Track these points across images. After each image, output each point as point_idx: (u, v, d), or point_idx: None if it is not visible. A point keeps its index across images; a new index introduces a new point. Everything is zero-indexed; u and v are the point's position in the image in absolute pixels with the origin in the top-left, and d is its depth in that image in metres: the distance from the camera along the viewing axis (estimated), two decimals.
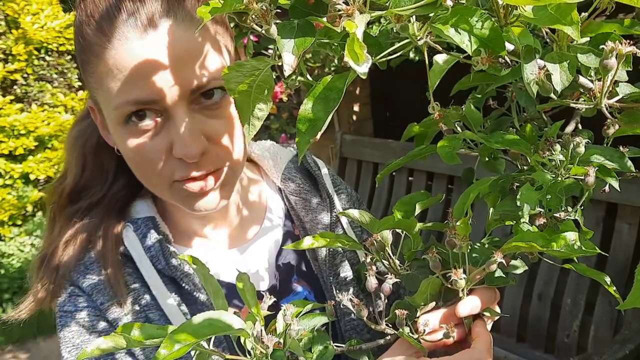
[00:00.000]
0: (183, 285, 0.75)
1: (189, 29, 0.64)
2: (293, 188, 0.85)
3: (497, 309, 0.66)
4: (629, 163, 0.62)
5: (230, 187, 0.74)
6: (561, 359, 2.41)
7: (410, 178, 3.33)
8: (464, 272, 0.59)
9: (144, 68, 0.63)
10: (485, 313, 0.63)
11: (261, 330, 0.57)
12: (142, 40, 0.63)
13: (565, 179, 0.60)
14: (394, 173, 3.39)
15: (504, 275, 0.63)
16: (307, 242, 0.64)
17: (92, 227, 0.77)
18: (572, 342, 2.38)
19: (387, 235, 0.62)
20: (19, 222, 4.60)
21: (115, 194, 0.79)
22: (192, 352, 0.55)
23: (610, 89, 0.50)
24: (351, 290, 0.82)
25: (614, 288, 0.60)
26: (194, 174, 0.69)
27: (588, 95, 0.52)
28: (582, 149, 0.61)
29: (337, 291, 0.80)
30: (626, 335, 2.15)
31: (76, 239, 0.77)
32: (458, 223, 0.59)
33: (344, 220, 0.86)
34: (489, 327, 0.65)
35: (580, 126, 0.70)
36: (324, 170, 0.88)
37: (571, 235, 0.55)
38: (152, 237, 0.76)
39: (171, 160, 0.68)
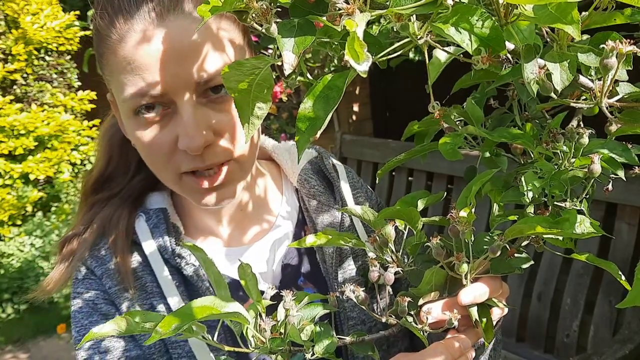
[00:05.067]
0: (188, 276, 0.76)
1: (195, 23, 0.65)
2: (308, 189, 0.85)
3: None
4: (634, 155, 0.61)
5: (236, 183, 0.75)
6: (561, 359, 2.41)
7: (410, 178, 3.33)
8: (467, 258, 0.57)
9: (151, 61, 0.64)
10: (489, 304, 0.60)
11: (259, 314, 0.57)
12: (150, 33, 0.64)
13: (569, 170, 0.60)
14: (393, 173, 3.40)
15: (508, 263, 0.60)
16: (310, 240, 0.65)
17: (107, 215, 0.80)
18: (572, 341, 2.38)
19: (390, 231, 0.61)
20: (19, 222, 4.60)
21: (133, 186, 0.82)
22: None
23: (611, 88, 0.50)
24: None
25: (623, 277, 0.58)
26: (199, 165, 0.70)
27: (589, 94, 0.52)
28: (585, 140, 0.60)
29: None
30: (626, 335, 2.15)
31: (93, 226, 0.80)
32: (462, 212, 0.57)
33: (358, 225, 0.85)
34: (495, 321, 0.62)
35: (582, 124, 0.70)
36: (342, 174, 0.88)
37: (575, 218, 0.54)
38: (162, 227, 0.78)
39: (178, 153, 0.69)
